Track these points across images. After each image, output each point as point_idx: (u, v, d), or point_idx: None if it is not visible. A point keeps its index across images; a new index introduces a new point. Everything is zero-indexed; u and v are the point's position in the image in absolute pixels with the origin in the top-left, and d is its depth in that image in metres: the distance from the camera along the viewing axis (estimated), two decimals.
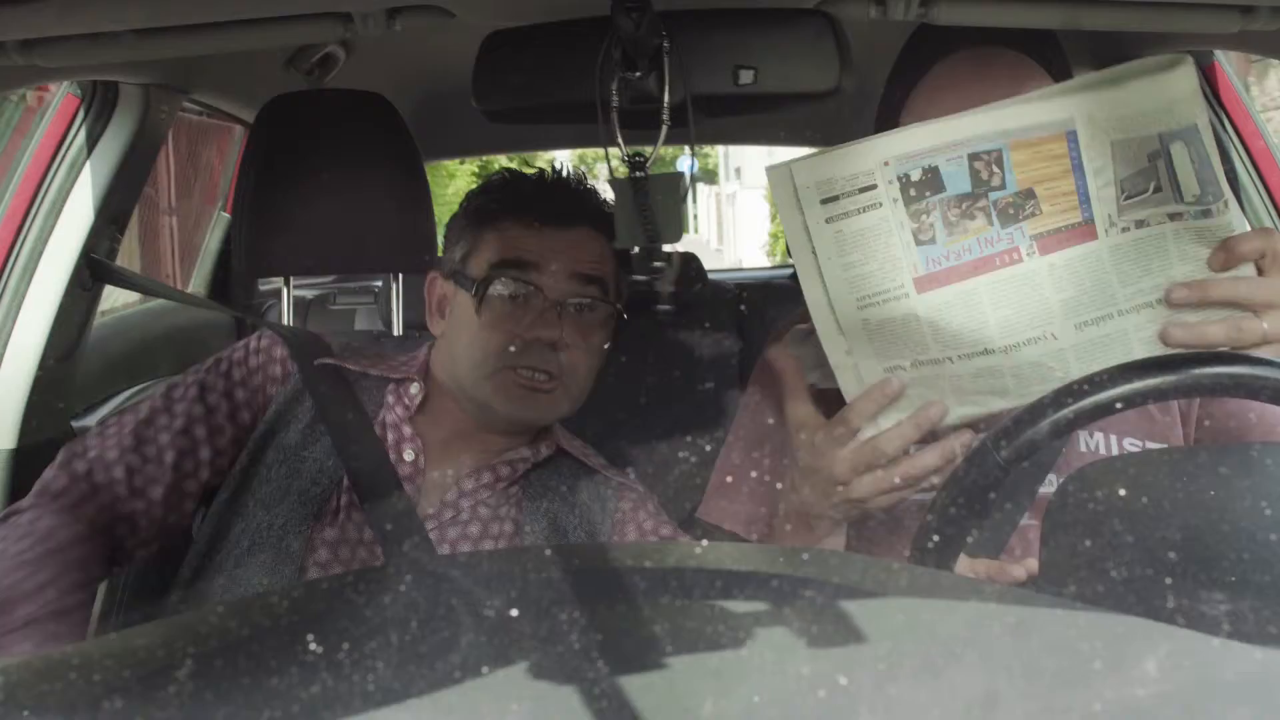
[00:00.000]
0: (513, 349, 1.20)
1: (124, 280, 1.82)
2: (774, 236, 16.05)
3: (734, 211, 20.80)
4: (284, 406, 1.24)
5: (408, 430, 1.24)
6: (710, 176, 24.74)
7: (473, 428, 1.27)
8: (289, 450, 1.22)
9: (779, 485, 1.20)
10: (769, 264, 13.91)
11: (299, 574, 1.15)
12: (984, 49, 1.21)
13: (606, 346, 1.28)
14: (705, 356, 2.51)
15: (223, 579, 1.17)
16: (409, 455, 1.23)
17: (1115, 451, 1.19)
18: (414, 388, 1.27)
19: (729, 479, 1.29)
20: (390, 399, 1.26)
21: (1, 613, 1.07)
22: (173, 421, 1.24)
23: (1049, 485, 1.16)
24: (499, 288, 1.22)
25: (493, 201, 1.27)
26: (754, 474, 1.28)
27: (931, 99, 1.19)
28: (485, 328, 1.22)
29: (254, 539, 1.17)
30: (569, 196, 1.28)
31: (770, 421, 1.29)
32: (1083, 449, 1.19)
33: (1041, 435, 0.80)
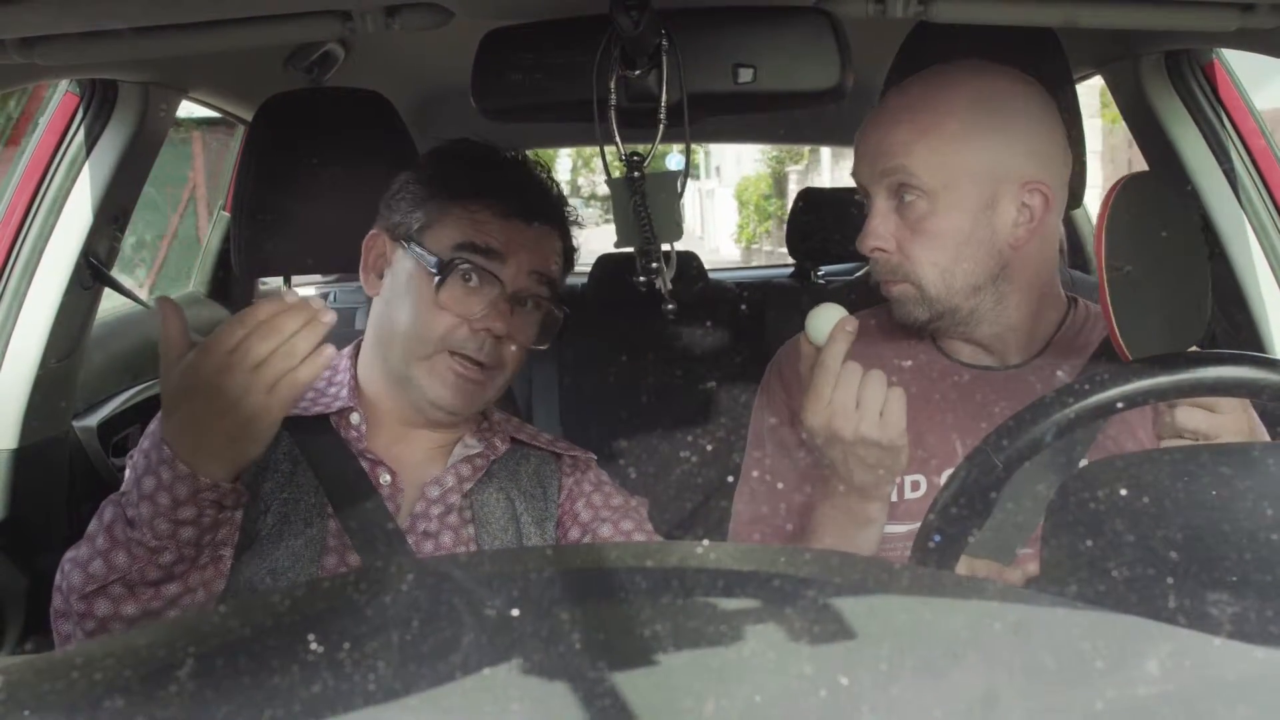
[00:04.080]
0: (455, 335, 1.18)
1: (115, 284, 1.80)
2: (740, 227, 20.43)
3: (713, 205, 24.35)
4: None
5: (373, 456, 1.22)
6: (694, 172, 27.34)
7: (416, 427, 1.24)
8: (268, 497, 1.19)
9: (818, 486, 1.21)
10: (737, 249, 18.74)
11: None
12: (974, 62, 1.21)
13: (544, 346, 1.26)
14: (706, 356, 2.51)
15: None
16: (385, 479, 1.21)
17: None
18: (355, 418, 1.23)
19: (759, 494, 1.28)
20: (342, 433, 1.23)
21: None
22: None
23: None
24: (463, 272, 1.19)
25: (463, 176, 1.23)
26: (783, 484, 1.27)
27: (903, 104, 1.20)
28: (438, 308, 1.18)
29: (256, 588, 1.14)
30: (540, 190, 1.26)
31: (791, 426, 1.29)
32: None
33: (1043, 435, 0.80)
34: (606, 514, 1.26)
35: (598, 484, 1.30)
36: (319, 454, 1.21)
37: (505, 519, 1.23)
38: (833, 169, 15.43)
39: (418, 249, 1.21)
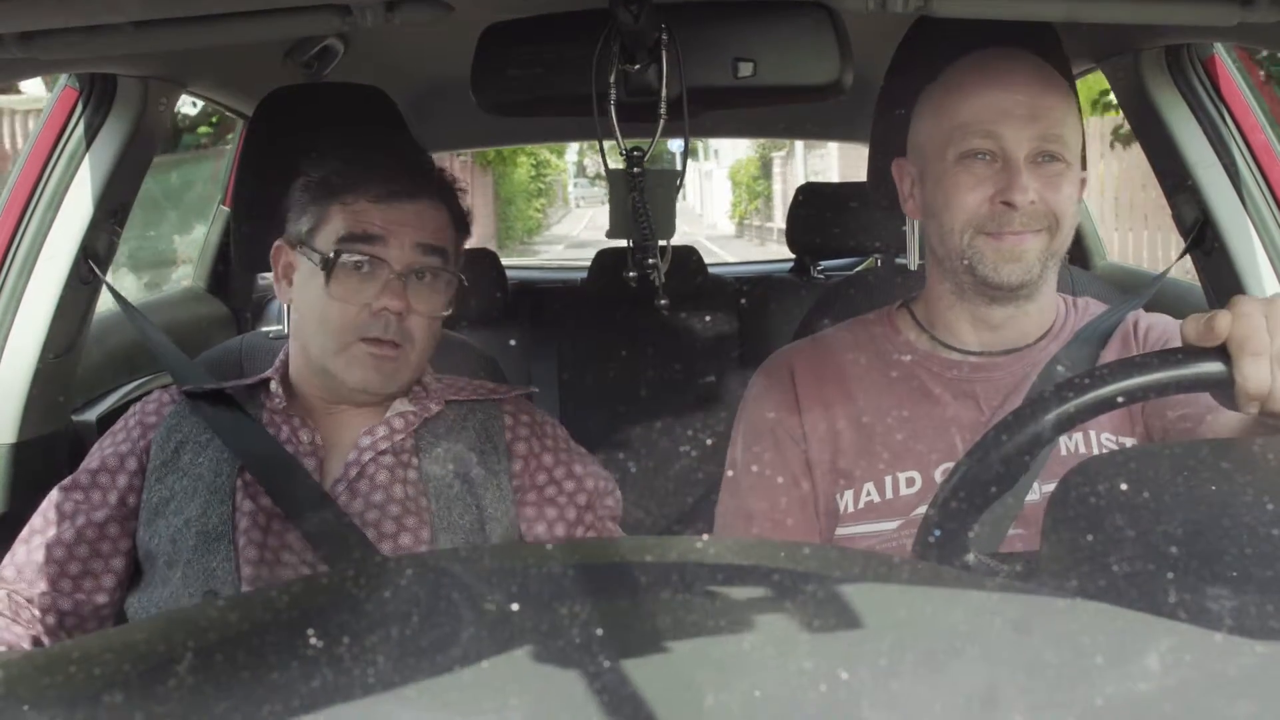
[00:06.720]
0: (360, 321, 1.25)
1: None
2: (734, 204, 24.35)
3: (711, 185, 28.32)
4: (163, 441, 1.30)
5: (296, 419, 1.30)
6: (694, 153, 31.08)
7: (344, 406, 1.32)
8: (184, 469, 1.28)
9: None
10: (731, 224, 21.93)
11: (232, 553, 1.20)
12: (1001, 49, 1.23)
13: (448, 313, 1.32)
14: (706, 351, 2.51)
15: (165, 590, 1.22)
16: (305, 436, 1.29)
17: (1095, 449, 1.19)
18: (273, 385, 1.33)
19: (760, 490, 1.28)
20: (263, 400, 1.34)
21: None
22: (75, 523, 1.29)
23: (1034, 494, 1.16)
24: (345, 261, 1.26)
25: (338, 176, 1.30)
26: (783, 479, 1.27)
27: (951, 95, 1.22)
28: (333, 300, 1.25)
29: (176, 543, 1.22)
30: (413, 171, 1.32)
31: (795, 418, 1.29)
32: (1064, 452, 1.19)
33: (1045, 430, 0.80)
34: (550, 444, 1.36)
35: (538, 433, 1.37)
36: (234, 425, 1.29)
37: (455, 479, 1.29)
38: (805, 158, 17.68)
39: (308, 251, 1.28)
